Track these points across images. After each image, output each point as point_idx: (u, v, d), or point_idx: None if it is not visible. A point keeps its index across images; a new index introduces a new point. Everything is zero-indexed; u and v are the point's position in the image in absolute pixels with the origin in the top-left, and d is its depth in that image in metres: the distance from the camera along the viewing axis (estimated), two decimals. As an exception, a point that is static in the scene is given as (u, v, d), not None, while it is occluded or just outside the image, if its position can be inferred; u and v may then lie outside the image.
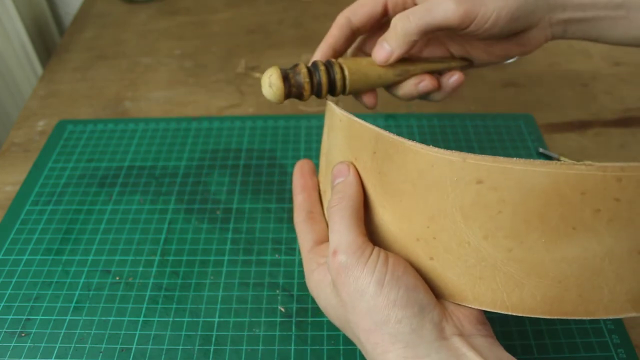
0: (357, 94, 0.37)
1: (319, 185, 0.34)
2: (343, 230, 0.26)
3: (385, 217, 0.27)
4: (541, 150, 0.50)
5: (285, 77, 0.33)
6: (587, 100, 0.58)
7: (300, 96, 0.34)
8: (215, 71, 0.63)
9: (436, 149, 0.23)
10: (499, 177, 0.22)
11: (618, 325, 0.38)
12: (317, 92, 0.34)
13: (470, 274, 0.25)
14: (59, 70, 0.64)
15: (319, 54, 0.37)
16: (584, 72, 0.62)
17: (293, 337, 0.37)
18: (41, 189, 0.48)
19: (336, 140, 0.30)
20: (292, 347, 0.36)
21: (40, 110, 0.58)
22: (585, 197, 0.22)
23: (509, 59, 0.39)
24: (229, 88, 0.61)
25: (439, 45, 0.38)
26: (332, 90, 0.35)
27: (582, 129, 0.55)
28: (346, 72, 0.34)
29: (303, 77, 0.33)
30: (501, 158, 0.22)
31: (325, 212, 0.30)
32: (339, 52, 0.37)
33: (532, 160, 0.22)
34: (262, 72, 0.63)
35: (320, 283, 0.28)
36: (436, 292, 0.26)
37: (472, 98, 0.58)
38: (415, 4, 0.35)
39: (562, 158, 0.49)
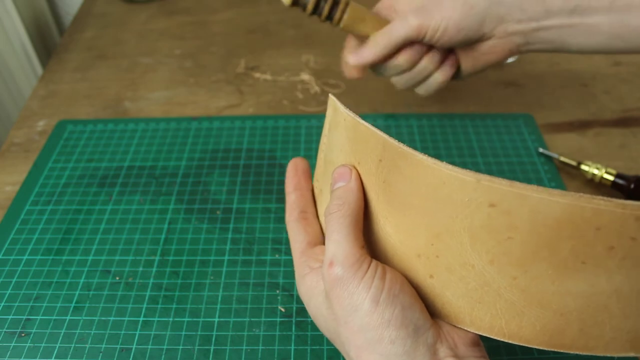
0: (348, 32, 0.45)
1: (313, 185, 0.34)
2: (341, 240, 0.25)
3: (387, 228, 0.26)
4: (541, 150, 0.50)
5: None
6: (587, 100, 0.58)
7: (303, 8, 0.43)
8: (215, 71, 0.63)
9: (450, 166, 0.22)
10: (513, 203, 0.21)
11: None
12: (318, 14, 0.43)
13: (470, 297, 0.24)
14: (59, 70, 0.64)
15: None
16: (584, 72, 0.62)
17: (293, 337, 0.37)
18: (41, 189, 0.48)
19: (338, 139, 0.29)
20: (292, 347, 0.36)
21: (40, 110, 0.58)
22: (600, 233, 0.21)
23: (481, 69, 0.45)
24: (229, 88, 0.61)
25: None
26: (330, 20, 0.44)
27: (582, 129, 0.55)
28: (345, 17, 0.43)
29: None
30: (518, 183, 0.21)
31: (323, 217, 0.29)
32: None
33: (549, 189, 0.21)
34: (262, 72, 0.63)
35: (312, 290, 0.28)
36: (432, 311, 0.26)
37: (472, 98, 0.58)
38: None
39: (562, 158, 0.49)
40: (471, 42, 0.42)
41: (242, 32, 0.71)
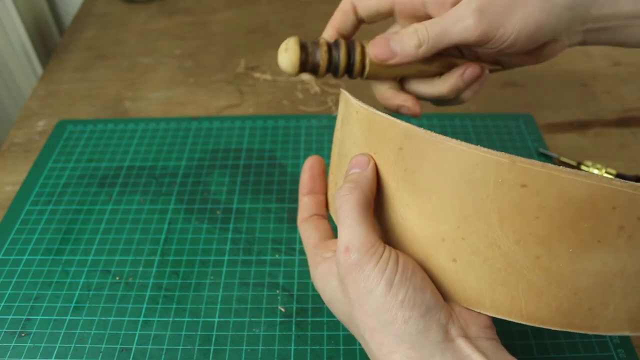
0: (375, 79, 0.35)
1: (328, 181, 0.34)
2: (355, 226, 0.25)
3: (408, 215, 0.26)
4: (541, 150, 0.50)
5: (303, 47, 0.31)
6: (587, 100, 0.58)
7: (315, 71, 0.32)
8: (215, 71, 0.63)
9: (484, 149, 0.23)
10: (543, 183, 0.22)
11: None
12: (333, 70, 0.32)
13: (494, 279, 0.24)
14: (59, 70, 0.64)
15: (326, 36, 0.36)
16: (584, 72, 0.62)
17: (293, 337, 0.37)
18: (41, 189, 0.48)
19: (351, 133, 0.29)
20: (292, 347, 0.36)
21: (40, 110, 0.58)
22: (615, 212, 0.22)
23: (513, 67, 0.39)
24: (229, 88, 0.61)
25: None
26: (350, 72, 0.32)
27: (582, 129, 0.55)
28: (367, 61, 0.33)
29: (322, 52, 0.31)
30: (549, 165, 0.22)
31: (333, 198, 0.29)
32: (345, 37, 0.36)
33: (576, 170, 0.22)
34: (262, 72, 0.63)
35: (326, 276, 0.28)
36: (452, 296, 0.26)
37: (472, 98, 0.58)
38: (425, 10, 0.34)
39: (562, 158, 0.49)
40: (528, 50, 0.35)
41: (242, 32, 0.71)
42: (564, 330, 0.24)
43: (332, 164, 0.34)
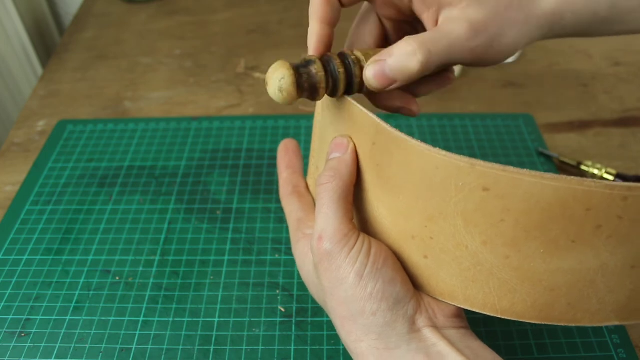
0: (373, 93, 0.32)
1: (309, 165, 0.34)
2: (330, 214, 0.26)
3: (380, 210, 0.27)
4: (541, 150, 0.50)
5: (299, 83, 0.27)
6: (587, 100, 0.58)
7: (312, 99, 0.28)
8: (215, 71, 0.63)
9: (443, 152, 0.23)
10: (506, 187, 0.22)
11: (618, 325, 0.38)
12: (331, 93, 0.29)
13: (464, 277, 0.25)
14: (59, 70, 0.64)
15: (314, 36, 0.32)
16: (584, 72, 0.62)
17: (293, 337, 0.37)
18: (41, 189, 0.48)
19: (333, 119, 0.29)
20: (292, 347, 0.36)
21: (40, 110, 0.58)
22: (590, 213, 0.22)
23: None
24: (229, 88, 0.61)
25: None
26: (348, 91, 0.29)
27: (582, 129, 0.55)
28: (365, 67, 0.29)
29: (319, 80, 0.27)
30: (511, 168, 0.22)
31: (315, 186, 0.29)
32: (333, 25, 0.32)
33: (542, 172, 0.21)
34: (262, 72, 0.63)
35: (304, 256, 0.29)
36: (427, 289, 0.26)
37: (472, 98, 0.58)
38: (410, 4, 0.31)
39: (562, 158, 0.49)
40: None
41: (242, 32, 0.71)
42: (543, 323, 0.25)
43: (313, 147, 0.34)
